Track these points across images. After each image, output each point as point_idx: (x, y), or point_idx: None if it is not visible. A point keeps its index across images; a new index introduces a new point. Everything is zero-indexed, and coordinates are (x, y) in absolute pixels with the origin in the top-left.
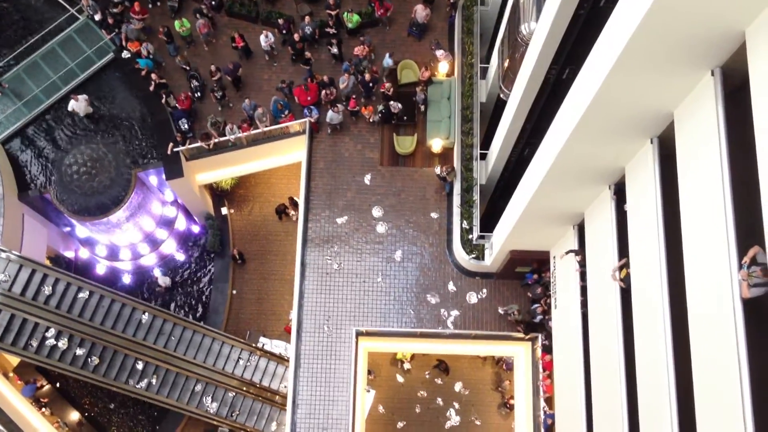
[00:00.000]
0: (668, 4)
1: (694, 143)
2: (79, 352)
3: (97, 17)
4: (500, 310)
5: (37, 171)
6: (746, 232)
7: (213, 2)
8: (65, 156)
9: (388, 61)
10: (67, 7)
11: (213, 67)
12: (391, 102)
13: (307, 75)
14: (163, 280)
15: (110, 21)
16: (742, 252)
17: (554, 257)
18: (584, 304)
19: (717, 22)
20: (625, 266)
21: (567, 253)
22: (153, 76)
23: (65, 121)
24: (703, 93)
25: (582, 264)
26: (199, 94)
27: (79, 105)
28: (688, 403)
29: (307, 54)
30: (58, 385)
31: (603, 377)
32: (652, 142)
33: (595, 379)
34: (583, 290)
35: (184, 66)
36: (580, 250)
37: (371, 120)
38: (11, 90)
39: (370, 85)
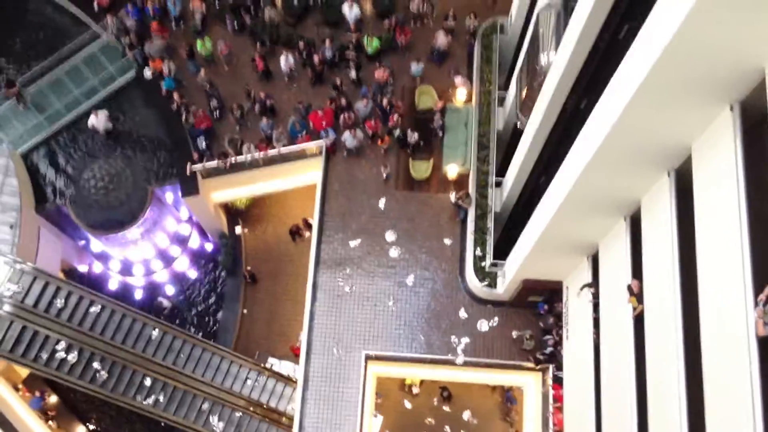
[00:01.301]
0: (688, 38)
1: (711, 178)
2: (90, 365)
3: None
4: (514, 334)
5: (55, 184)
6: (763, 270)
7: (236, 24)
8: (84, 170)
9: (417, 68)
10: (92, 24)
11: (249, 90)
12: (408, 131)
13: (331, 98)
14: (167, 303)
15: (134, 40)
16: (758, 289)
17: (567, 288)
18: (597, 337)
19: (736, 57)
20: (630, 293)
21: (582, 288)
22: (175, 96)
23: (85, 136)
24: (722, 128)
25: (595, 296)
26: (218, 114)
27: (98, 120)
28: None
29: (337, 81)
30: (65, 398)
31: (614, 412)
32: (669, 175)
33: (606, 414)
34: (596, 322)
35: (206, 85)
36: (594, 283)
37: (385, 172)
38: (34, 104)
39: (388, 110)
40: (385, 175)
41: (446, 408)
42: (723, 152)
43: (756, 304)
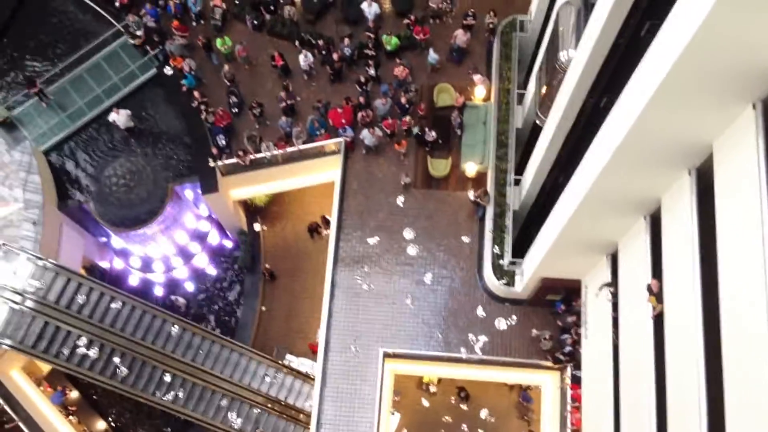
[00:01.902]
0: (709, 35)
1: (733, 176)
2: (110, 361)
3: (140, 33)
4: (533, 333)
5: (77, 182)
6: None
7: (255, 22)
8: (105, 168)
9: (433, 56)
10: (113, 22)
11: (283, 94)
12: (426, 130)
13: (347, 98)
14: (182, 301)
15: (156, 39)
16: None
17: (586, 287)
18: (616, 336)
19: (758, 54)
20: (650, 293)
21: (601, 288)
22: (196, 94)
23: (107, 133)
24: (744, 126)
25: (614, 295)
26: (236, 110)
27: (120, 118)
28: None
29: (361, 78)
30: (86, 393)
31: (633, 412)
32: (690, 174)
33: (625, 414)
34: (615, 322)
35: (228, 81)
36: (613, 282)
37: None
38: (56, 102)
39: (407, 107)
40: (404, 183)
41: (464, 406)
42: (745, 150)
43: None
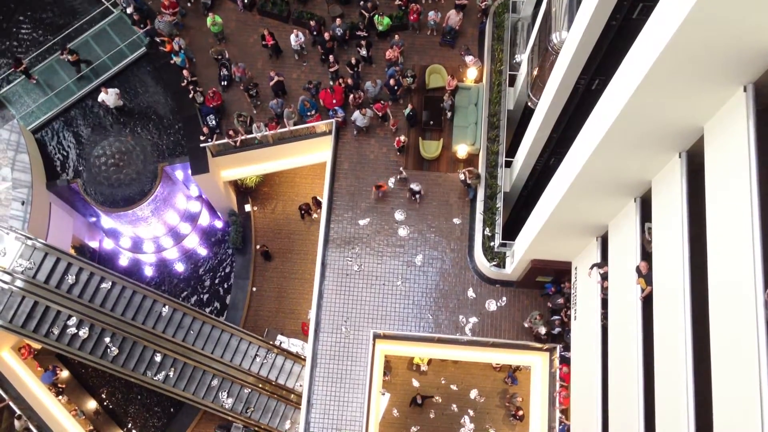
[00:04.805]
0: (702, 18)
1: (723, 159)
2: (101, 341)
3: (129, 10)
4: (525, 324)
5: (65, 161)
6: None
7: (245, 0)
8: (94, 147)
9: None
10: (102, 0)
11: (273, 73)
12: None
13: (340, 77)
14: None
15: (136, 17)
16: None
17: (576, 268)
18: (605, 317)
19: (750, 37)
20: (639, 275)
21: (591, 268)
22: (185, 73)
23: (95, 113)
24: (735, 109)
25: (604, 276)
26: (225, 83)
27: (108, 97)
28: (707, 422)
29: (353, 60)
30: (76, 373)
31: (621, 391)
32: (680, 157)
33: (613, 393)
34: (604, 303)
35: (217, 57)
36: (603, 263)
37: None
38: (44, 80)
39: (396, 88)
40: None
41: (454, 387)
42: (736, 133)
43: (766, 286)
